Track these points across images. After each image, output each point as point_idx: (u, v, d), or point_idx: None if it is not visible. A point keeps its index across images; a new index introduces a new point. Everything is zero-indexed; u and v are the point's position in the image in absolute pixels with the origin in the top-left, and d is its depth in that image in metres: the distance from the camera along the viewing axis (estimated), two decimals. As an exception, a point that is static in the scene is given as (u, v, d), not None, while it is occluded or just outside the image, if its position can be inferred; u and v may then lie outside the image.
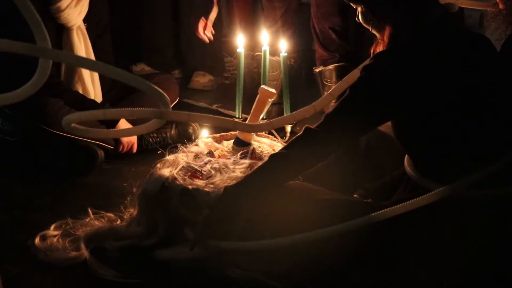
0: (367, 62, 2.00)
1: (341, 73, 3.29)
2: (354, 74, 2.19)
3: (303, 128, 2.04)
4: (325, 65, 3.42)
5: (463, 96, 1.92)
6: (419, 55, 1.92)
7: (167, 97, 1.76)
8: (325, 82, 3.43)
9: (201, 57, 4.07)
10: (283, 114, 3.04)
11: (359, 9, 2.05)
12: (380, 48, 2.02)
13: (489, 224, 1.91)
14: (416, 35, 1.94)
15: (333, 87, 2.31)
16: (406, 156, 2.07)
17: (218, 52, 4.16)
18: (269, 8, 3.67)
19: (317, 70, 3.46)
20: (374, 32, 2.05)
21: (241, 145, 2.58)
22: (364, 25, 2.05)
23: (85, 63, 1.86)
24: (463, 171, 1.89)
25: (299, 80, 3.85)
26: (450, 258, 1.91)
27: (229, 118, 1.95)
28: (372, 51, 2.06)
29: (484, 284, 1.93)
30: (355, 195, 2.25)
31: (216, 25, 4.10)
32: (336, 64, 3.39)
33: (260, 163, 2.17)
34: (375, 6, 2.00)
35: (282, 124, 2.48)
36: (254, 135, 2.65)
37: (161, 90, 1.76)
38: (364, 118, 1.98)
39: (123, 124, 3.09)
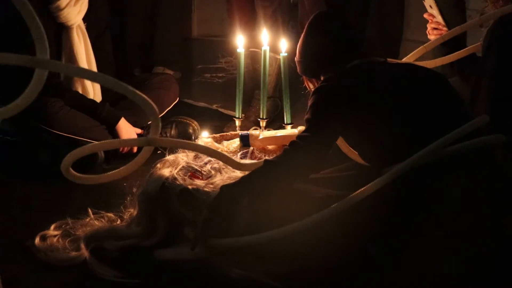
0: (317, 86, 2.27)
1: None
2: None
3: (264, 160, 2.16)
4: None
5: (397, 100, 2.15)
6: (356, 77, 2.23)
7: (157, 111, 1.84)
8: None
9: (160, 52, 4.08)
10: (277, 108, 3.07)
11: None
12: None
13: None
14: (351, 69, 2.26)
15: None
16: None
17: (177, 47, 4.17)
18: (259, 7, 3.69)
19: None
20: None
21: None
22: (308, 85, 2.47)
23: (84, 73, 1.89)
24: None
25: (298, 78, 3.85)
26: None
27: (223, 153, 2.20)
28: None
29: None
30: None
31: (180, 19, 4.13)
32: None
33: (260, 163, 2.19)
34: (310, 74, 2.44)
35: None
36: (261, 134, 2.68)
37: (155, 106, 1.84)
38: (329, 127, 2.15)
39: (123, 124, 3.09)
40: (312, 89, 2.38)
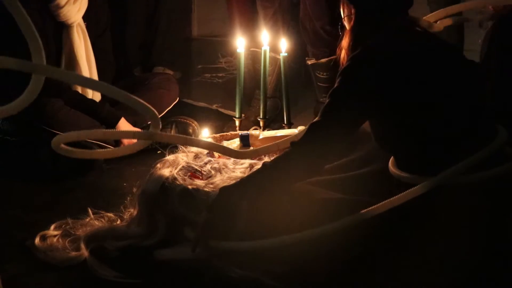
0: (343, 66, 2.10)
1: (332, 65, 3.32)
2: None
3: (290, 143, 2.08)
4: (317, 59, 3.45)
5: (432, 93, 1.99)
6: (387, 57, 2.01)
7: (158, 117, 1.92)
8: (317, 75, 3.46)
9: (160, 52, 4.08)
10: (277, 108, 3.05)
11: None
12: (344, 49, 2.20)
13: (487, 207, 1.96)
14: (384, 39, 2.05)
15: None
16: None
17: (177, 47, 4.18)
18: (260, 8, 3.70)
19: (309, 62, 3.48)
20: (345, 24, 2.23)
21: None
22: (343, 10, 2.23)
23: (76, 79, 1.88)
24: (443, 165, 1.93)
25: (298, 78, 3.87)
26: (455, 250, 1.94)
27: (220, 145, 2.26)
28: (338, 50, 2.27)
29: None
30: None
31: (180, 19, 4.13)
32: (328, 58, 3.41)
33: (260, 163, 2.19)
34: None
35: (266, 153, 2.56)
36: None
37: (154, 111, 1.88)
38: (347, 118, 2.03)
39: (123, 124, 3.09)
40: (345, 18, 2.23)
